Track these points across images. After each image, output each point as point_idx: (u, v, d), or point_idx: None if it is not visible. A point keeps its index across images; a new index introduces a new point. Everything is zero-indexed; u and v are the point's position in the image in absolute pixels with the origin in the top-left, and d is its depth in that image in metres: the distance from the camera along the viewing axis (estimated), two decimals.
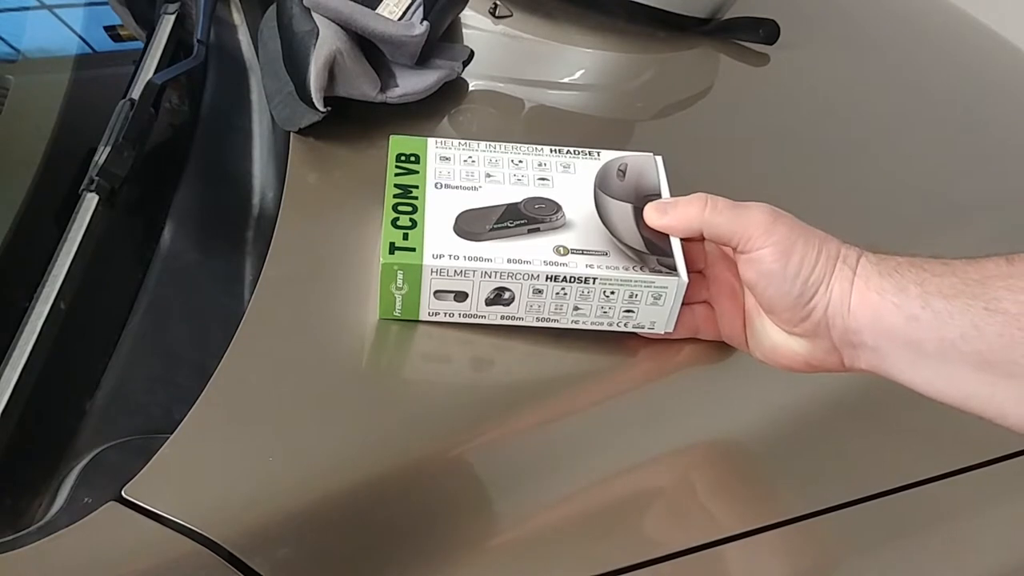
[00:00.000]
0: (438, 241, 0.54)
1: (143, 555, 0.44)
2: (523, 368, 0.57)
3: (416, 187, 0.57)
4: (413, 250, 0.54)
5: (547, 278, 0.54)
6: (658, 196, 0.58)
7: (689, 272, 0.54)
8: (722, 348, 0.58)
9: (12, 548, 0.43)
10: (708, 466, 0.57)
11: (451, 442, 0.52)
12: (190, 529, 0.45)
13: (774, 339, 0.53)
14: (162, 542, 0.44)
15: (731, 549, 0.51)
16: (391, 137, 0.60)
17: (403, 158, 0.59)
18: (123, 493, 0.46)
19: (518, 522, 0.50)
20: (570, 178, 0.59)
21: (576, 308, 0.55)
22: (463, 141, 0.61)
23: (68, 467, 0.49)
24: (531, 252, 0.54)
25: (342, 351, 0.56)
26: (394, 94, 0.69)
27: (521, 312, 0.55)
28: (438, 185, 0.58)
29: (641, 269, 0.54)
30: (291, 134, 0.68)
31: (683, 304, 0.56)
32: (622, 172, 0.60)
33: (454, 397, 0.55)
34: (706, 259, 0.57)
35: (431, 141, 0.60)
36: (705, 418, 0.57)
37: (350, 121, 0.68)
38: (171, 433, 0.49)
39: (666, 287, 0.54)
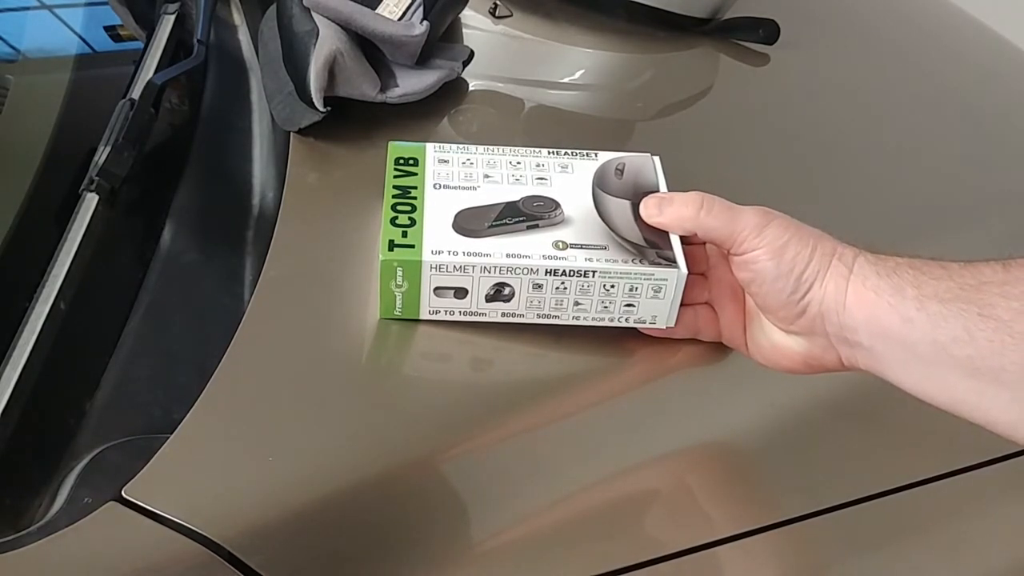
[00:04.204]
0: (437, 238, 0.54)
1: (143, 555, 0.44)
2: (523, 368, 0.57)
3: (415, 188, 0.57)
4: (412, 247, 0.54)
5: (547, 272, 0.54)
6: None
7: (691, 274, 0.54)
8: (720, 349, 0.58)
9: (12, 548, 0.43)
10: (708, 466, 0.57)
11: (450, 442, 0.52)
12: (190, 529, 0.45)
13: (773, 338, 0.53)
14: (162, 542, 0.44)
15: (730, 549, 0.51)
16: (389, 143, 0.60)
17: (401, 161, 0.59)
18: (123, 493, 0.46)
19: (517, 522, 0.50)
20: (568, 177, 0.59)
21: (577, 303, 0.55)
22: (461, 145, 0.61)
23: (68, 467, 0.49)
24: (530, 247, 0.54)
25: (342, 351, 0.56)
26: (394, 94, 0.69)
27: (522, 308, 0.55)
28: (436, 186, 0.58)
29: (640, 262, 0.54)
30: (291, 134, 0.68)
31: (685, 305, 0.56)
32: (620, 171, 0.60)
33: (454, 397, 0.55)
34: (708, 261, 0.57)
35: (429, 146, 0.60)
36: (704, 418, 0.57)
37: (350, 121, 0.68)
38: (171, 433, 0.49)
39: (666, 279, 0.54)
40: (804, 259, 0.49)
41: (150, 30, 0.72)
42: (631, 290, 0.55)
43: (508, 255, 0.54)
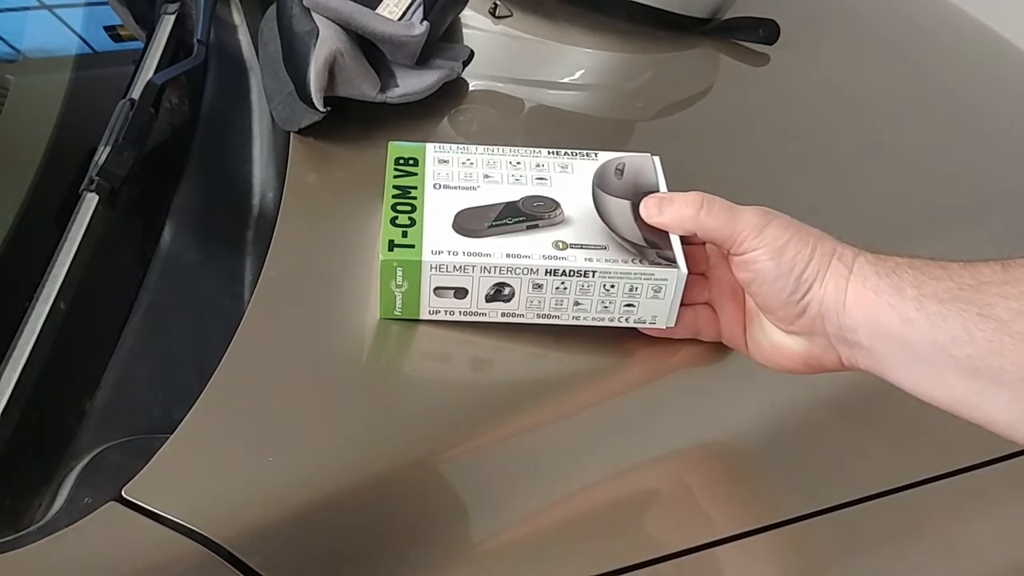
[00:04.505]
0: (437, 238, 0.54)
1: (143, 555, 0.44)
2: (523, 368, 0.57)
3: (415, 188, 0.57)
4: (412, 247, 0.54)
5: (546, 272, 0.54)
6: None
7: (691, 274, 0.54)
8: (720, 349, 0.58)
9: (12, 548, 0.43)
10: (708, 466, 0.57)
11: (450, 442, 0.52)
12: (190, 529, 0.45)
13: (773, 339, 0.53)
14: (162, 542, 0.44)
15: (730, 549, 0.51)
16: (389, 143, 0.60)
17: (401, 161, 0.59)
18: (123, 493, 0.46)
19: (517, 522, 0.50)
20: (568, 177, 0.59)
21: (577, 303, 0.55)
22: (461, 145, 0.61)
23: (68, 467, 0.49)
24: (530, 247, 0.54)
25: (342, 351, 0.56)
26: (394, 94, 0.69)
27: (522, 308, 0.55)
28: (436, 186, 0.58)
29: (640, 262, 0.54)
30: (291, 134, 0.68)
31: (685, 305, 0.56)
32: (620, 171, 0.60)
33: (453, 397, 0.55)
34: (708, 261, 0.57)
35: (429, 146, 0.60)
36: (704, 418, 0.57)
37: (350, 121, 0.68)
38: (171, 433, 0.49)
39: (666, 279, 0.54)
40: (804, 259, 0.49)
41: (150, 30, 0.72)
42: (631, 290, 0.55)
43: (508, 255, 0.54)
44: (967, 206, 0.76)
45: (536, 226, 0.56)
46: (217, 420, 0.50)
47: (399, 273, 0.54)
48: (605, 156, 0.61)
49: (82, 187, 0.59)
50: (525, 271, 0.54)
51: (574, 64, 0.85)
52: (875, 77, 0.90)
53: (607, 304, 0.55)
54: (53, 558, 0.43)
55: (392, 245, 0.54)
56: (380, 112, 0.69)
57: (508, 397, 0.55)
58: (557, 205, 0.57)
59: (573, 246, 0.55)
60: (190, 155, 0.69)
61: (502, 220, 0.56)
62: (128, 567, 0.44)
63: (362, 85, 0.67)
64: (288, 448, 0.50)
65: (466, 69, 0.74)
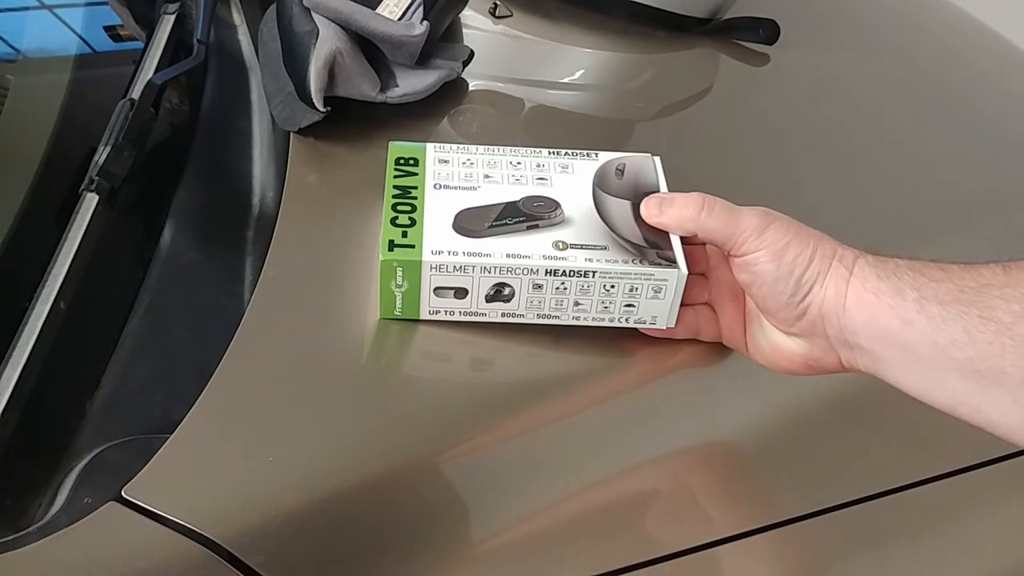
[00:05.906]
0: (437, 238, 0.54)
1: (143, 555, 0.44)
2: (523, 368, 0.57)
3: (415, 188, 0.57)
4: (412, 247, 0.54)
5: (547, 272, 0.54)
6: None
7: (691, 274, 0.54)
8: (720, 349, 0.58)
9: (12, 548, 0.43)
10: (708, 466, 0.57)
11: (450, 442, 0.52)
12: (190, 529, 0.45)
13: (773, 340, 0.53)
14: (162, 542, 0.44)
15: (730, 549, 0.51)
16: (390, 143, 0.60)
17: (402, 161, 0.59)
18: (123, 493, 0.46)
19: (518, 522, 0.50)
20: (568, 178, 0.59)
21: (577, 303, 0.55)
22: (461, 145, 0.61)
23: (68, 467, 0.49)
24: (530, 247, 0.54)
25: (342, 351, 0.56)
26: (394, 94, 0.69)
27: (522, 308, 0.55)
28: (437, 186, 0.58)
29: (640, 262, 0.54)
30: (291, 134, 0.68)
31: (685, 305, 0.56)
32: (620, 171, 0.60)
33: (454, 397, 0.55)
34: (708, 261, 0.57)
35: (429, 146, 0.60)
36: (704, 418, 0.57)
37: (350, 121, 0.68)
38: (171, 433, 0.49)
39: (666, 279, 0.54)
40: (804, 261, 0.49)
41: (150, 30, 0.72)
42: (631, 290, 0.55)
43: (508, 255, 0.54)
44: (967, 207, 0.76)
45: (536, 226, 0.56)
46: (217, 420, 0.50)
47: (399, 273, 0.54)
48: (605, 156, 0.61)
49: (82, 187, 0.59)
50: (525, 271, 0.54)
51: (574, 64, 0.85)
52: (875, 77, 0.90)
53: (607, 304, 0.55)
54: (53, 558, 0.43)
55: (392, 245, 0.54)
56: (380, 112, 0.69)
57: (508, 397, 0.55)
58: (557, 205, 0.57)
59: (573, 246, 0.55)
60: (190, 155, 0.69)
61: (502, 220, 0.56)
62: (128, 567, 0.44)
63: (362, 85, 0.67)
64: (288, 448, 0.50)
65: (466, 69, 0.74)
